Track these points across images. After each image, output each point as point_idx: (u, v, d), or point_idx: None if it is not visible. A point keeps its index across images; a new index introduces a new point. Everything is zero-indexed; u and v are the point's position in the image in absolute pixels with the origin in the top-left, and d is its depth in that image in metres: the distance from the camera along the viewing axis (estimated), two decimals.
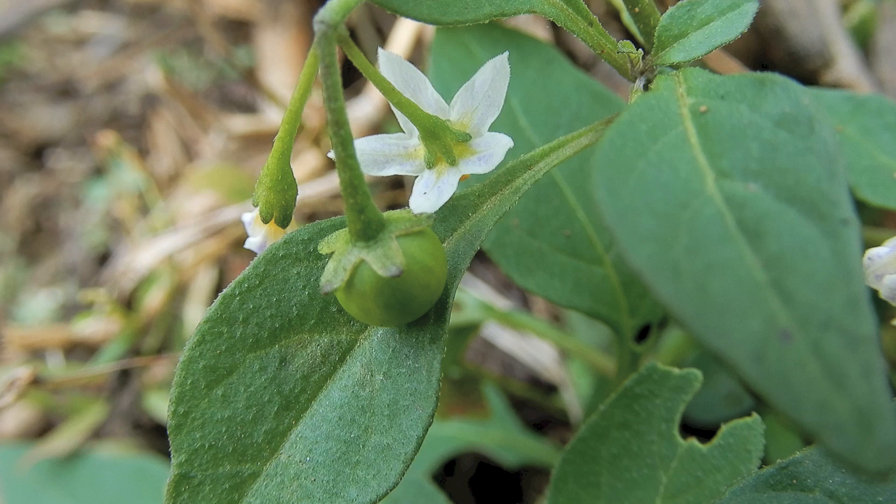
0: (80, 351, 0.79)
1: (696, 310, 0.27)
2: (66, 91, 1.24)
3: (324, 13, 0.34)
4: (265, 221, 0.41)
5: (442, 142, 0.40)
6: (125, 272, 0.75)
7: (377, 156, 0.41)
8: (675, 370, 0.44)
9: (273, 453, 0.39)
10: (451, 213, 0.40)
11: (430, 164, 0.40)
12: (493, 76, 0.40)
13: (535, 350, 0.77)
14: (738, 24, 0.38)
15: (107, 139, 0.80)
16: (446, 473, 0.84)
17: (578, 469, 0.46)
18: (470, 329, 0.65)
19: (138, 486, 0.75)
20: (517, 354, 0.77)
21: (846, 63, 0.60)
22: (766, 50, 0.62)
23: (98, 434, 0.77)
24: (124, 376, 0.76)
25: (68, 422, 0.76)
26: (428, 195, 0.39)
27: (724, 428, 0.43)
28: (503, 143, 0.39)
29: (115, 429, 0.77)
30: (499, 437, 0.74)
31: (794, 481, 0.36)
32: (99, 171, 1.14)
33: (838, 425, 0.25)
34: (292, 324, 0.39)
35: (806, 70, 0.60)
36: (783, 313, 0.27)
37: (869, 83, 0.61)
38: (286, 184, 0.40)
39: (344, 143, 0.35)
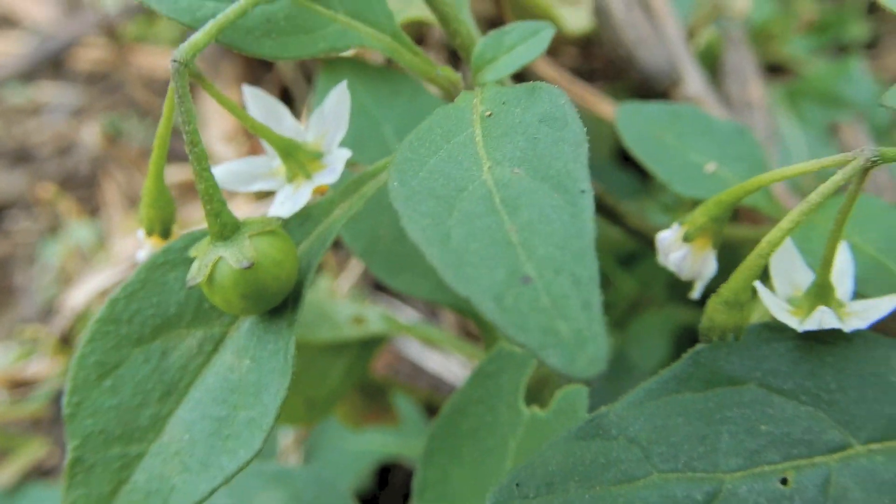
0: (25, 390, 0.85)
1: (454, 266, 0.33)
2: (21, 157, 1.31)
3: (177, 53, 0.41)
4: (149, 235, 0.47)
5: (296, 159, 0.46)
6: (61, 311, 0.81)
7: (243, 175, 0.48)
8: (518, 350, 0.51)
9: (157, 434, 0.44)
10: (307, 219, 0.47)
11: (289, 179, 0.47)
12: (337, 101, 0.47)
13: (444, 360, 0.83)
14: (537, 47, 0.46)
15: (47, 192, 0.86)
16: (379, 487, 0.89)
17: (443, 443, 0.52)
18: (376, 342, 0.71)
19: None
20: (426, 365, 0.83)
21: (692, 82, 0.67)
22: (622, 73, 0.70)
23: (42, 468, 0.82)
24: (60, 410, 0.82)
25: (8, 458, 0.81)
26: (284, 204, 0.46)
27: (557, 394, 0.49)
28: (344, 155, 0.46)
29: (59, 462, 0.83)
30: (419, 445, 0.80)
31: (601, 431, 0.42)
32: (53, 230, 1.21)
33: (558, 344, 0.31)
34: (171, 321, 0.45)
35: (657, 90, 0.68)
36: (527, 264, 0.33)
37: (715, 100, 0.68)
38: (163, 201, 0.46)
39: (199, 158, 0.41)
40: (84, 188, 1.23)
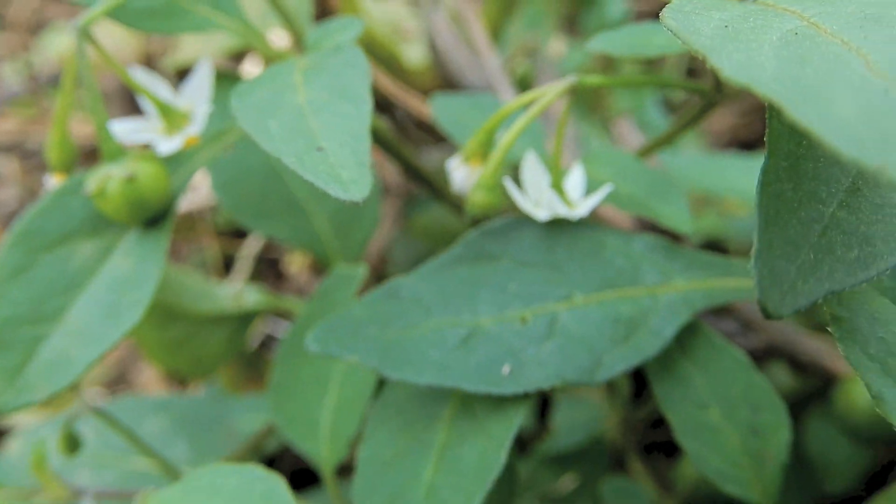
0: None
1: (274, 146, 0.48)
2: None
3: (77, 21, 0.56)
4: (55, 172, 0.61)
5: (172, 118, 0.61)
6: None
7: (133, 130, 0.62)
8: (349, 268, 0.66)
9: (60, 319, 0.57)
10: (178, 159, 0.61)
11: (168, 133, 0.62)
12: (202, 73, 0.62)
13: None
14: (352, 33, 0.62)
15: None
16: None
17: (293, 348, 0.65)
18: (251, 316, 0.85)
19: None
20: None
21: (505, 95, 0.85)
22: (453, 91, 0.87)
23: None
24: None
25: None
26: (162, 147, 0.60)
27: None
28: (206, 111, 0.61)
29: None
30: None
31: (395, 295, 0.56)
32: None
33: (339, 183, 0.46)
34: (73, 233, 0.59)
35: None
36: (322, 141, 0.49)
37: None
38: (66, 145, 0.61)
39: (94, 100, 0.56)
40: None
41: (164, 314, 0.80)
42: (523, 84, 0.91)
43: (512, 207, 0.60)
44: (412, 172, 0.73)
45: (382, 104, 0.85)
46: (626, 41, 0.55)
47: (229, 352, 0.85)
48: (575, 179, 0.59)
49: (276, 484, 0.47)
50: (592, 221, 0.58)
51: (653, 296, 0.55)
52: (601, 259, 0.56)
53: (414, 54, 0.89)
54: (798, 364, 0.71)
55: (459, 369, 0.53)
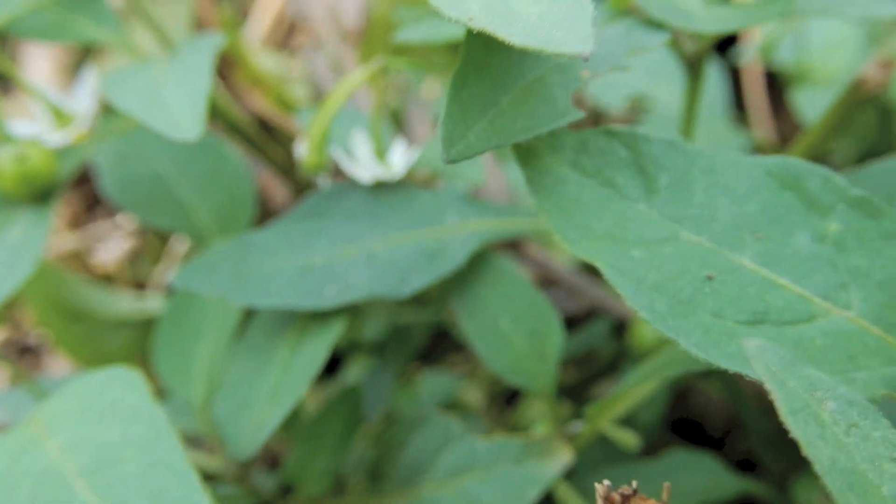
0: None
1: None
2: None
3: None
4: None
5: (64, 119, 0.74)
6: None
7: (28, 126, 0.74)
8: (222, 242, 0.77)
9: None
10: (67, 151, 0.73)
11: (59, 129, 0.74)
12: (87, 79, 0.75)
13: None
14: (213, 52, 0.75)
15: None
16: None
17: (167, 324, 0.76)
18: (151, 323, 0.95)
19: None
20: None
21: None
22: None
23: None
24: None
25: None
26: (52, 140, 0.72)
27: None
28: (89, 112, 0.73)
29: None
30: None
31: (321, 211, 0.68)
32: None
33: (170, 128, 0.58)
34: None
35: None
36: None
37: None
38: None
39: None
40: None
41: (71, 315, 0.91)
42: (395, 116, 1.04)
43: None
44: (291, 179, 0.86)
45: (270, 130, 0.99)
46: (423, 31, 0.69)
47: (132, 354, 0.95)
48: (398, 149, 0.72)
49: (134, 377, 0.57)
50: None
51: (452, 232, 0.67)
52: (413, 208, 0.69)
53: (299, 93, 1.03)
54: (617, 325, 0.83)
55: (294, 294, 0.64)
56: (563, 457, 0.63)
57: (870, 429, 0.34)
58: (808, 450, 0.31)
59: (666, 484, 0.43)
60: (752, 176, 0.48)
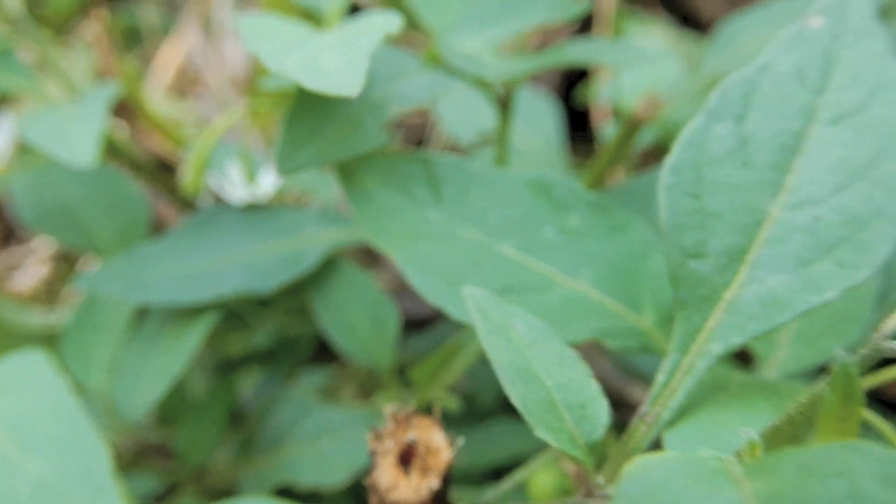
0: None
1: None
2: None
3: None
4: None
5: None
6: None
7: None
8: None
9: None
10: None
11: None
12: (5, 121, 0.88)
13: None
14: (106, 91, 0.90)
15: None
16: None
17: (75, 326, 0.89)
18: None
19: None
20: None
21: None
22: None
23: None
24: None
25: None
26: None
27: None
28: (2, 146, 0.86)
29: None
30: None
31: (204, 226, 0.82)
32: None
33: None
34: None
35: None
36: None
37: None
38: None
39: None
40: None
41: None
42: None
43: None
44: (185, 207, 1.00)
45: (168, 167, 1.13)
46: (275, 81, 0.84)
47: None
48: (267, 174, 0.87)
49: (43, 357, 0.71)
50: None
51: (309, 241, 0.82)
52: (278, 223, 0.83)
53: (193, 134, 1.17)
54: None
55: (178, 293, 0.78)
56: None
57: (547, 345, 0.49)
58: (490, 354, 0.47)
59: (435, 406, 0.58)
60: (515, 186, 0.64)
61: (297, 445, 0.79)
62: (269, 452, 0.80)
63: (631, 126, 0.83)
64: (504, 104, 0.83)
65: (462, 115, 1.04)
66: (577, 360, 0.50)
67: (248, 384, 1.04)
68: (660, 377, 0.50)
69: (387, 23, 0.62)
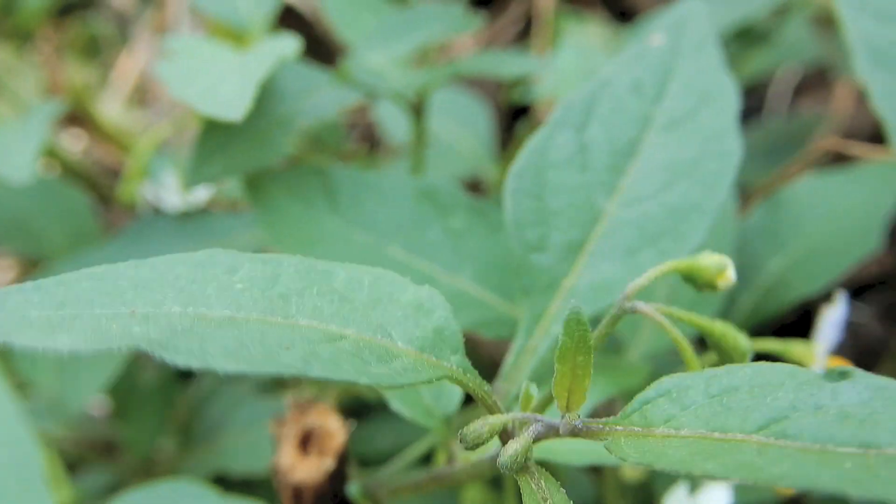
0: None
1: None
2: None
3: None
4: None
5: None
6: None
7: None
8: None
9: None
10: None
11: None
12: None
13: None
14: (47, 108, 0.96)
15: None
16: None
17: None
18: None
19: None
20: None
21: None
22: None
23: None
24: None
25: None
26: None
27: None
28: None
29: None
30: None
31: (141, 234, 0.88)
32: None
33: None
34: None
35: None
36: None
37: None
38: None
39: None
40: None
41: None
42: None
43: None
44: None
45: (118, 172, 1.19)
46: None
47: None
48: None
49: None
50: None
51: (238, 242, 0.88)
52: (209, 227, 0.90)
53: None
54: None
55: None
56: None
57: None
58: None
59: (332, 396, 0.64)
60: (404, 193, 0.71)
61: (232, 435, 0.85)
62: (208, 442, 0.87)
63: (535, 122, 0.89)
64: (417, 110, 0.89)
65: (394, 117, 1.10)
66: None
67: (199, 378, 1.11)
68: (509, 358, 0.57)
69: (284, 48, 0.68)
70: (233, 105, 0.62)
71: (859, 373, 0.33)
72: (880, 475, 0.28)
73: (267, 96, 0.72)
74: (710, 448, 0.33)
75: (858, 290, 1.09)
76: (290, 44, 0.69)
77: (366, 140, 1.46)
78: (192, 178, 0.69)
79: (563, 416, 0.40)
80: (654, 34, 0.62)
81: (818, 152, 0.81)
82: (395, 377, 0.39)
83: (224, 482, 0.84)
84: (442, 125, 1.21)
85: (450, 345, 0.42)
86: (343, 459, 0.63)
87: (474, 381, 0.42)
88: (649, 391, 0.37)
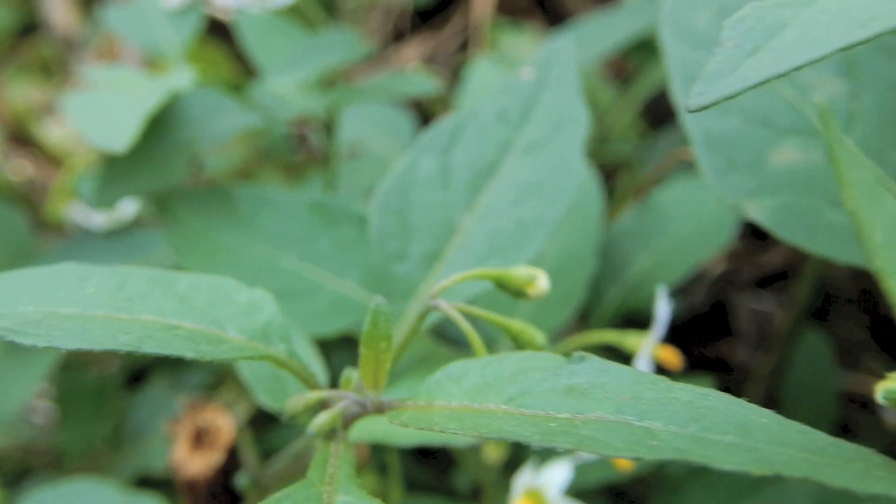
0: None
1: None
2: None
3: None
4: None
5: None
6: None
7: None
8: None
9: None
10: None
11: None
12: None
13: None
14: None
15: None
16: None
17: None
18: None
19: None
20: None
21: None
22: None
23: None
24: None
25: None
26: None
27: None
28: None
29: None
30: None
31: (70, 253, 0.94)
32: None
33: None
34: None
35: None
36: None
37: None
38: None
39: None
40: None
41: None
42: None
43: None
44: None
45: None
46: None
47: None
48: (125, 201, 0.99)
49: None
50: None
51: (157, 258, 0.94)
52: (133, 244, 0.96)
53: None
54: None
55: None
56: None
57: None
58: None
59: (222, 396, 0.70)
60: (298, 206, 0.77)
61: (153, 437, 0.91)
62: (135, 443, 0.92)
63: None
64: (328, 125, 0.95)
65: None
66: (300, 332, 0.63)
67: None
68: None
69: (178, 80, 0.75)
70: (118, 138, 0.68)
71: (593, 358, 0.40)
72: (582, 433, 0.35)
73: (170, 122, 0.78)
74: (471, 416, 0.40)
75: (763, 280, 1.16)
76: (185, 76, 0.75)
77: (317, 152, 1.52)
78: (96, 200, 0.75)
79: (368, 395, 0.46)
80: (525, 67, 0.68)
81: (674, 160, 0.88)
82: (220, 354, 0.45)
83: (147, 482, 0.90)
84: (373, 137, 1.28)
85: (278, 335, 0.48)
86: (233, 453, 0.69)
87: (297, 364, 0.48)
88: (439, 374, 0.44)
